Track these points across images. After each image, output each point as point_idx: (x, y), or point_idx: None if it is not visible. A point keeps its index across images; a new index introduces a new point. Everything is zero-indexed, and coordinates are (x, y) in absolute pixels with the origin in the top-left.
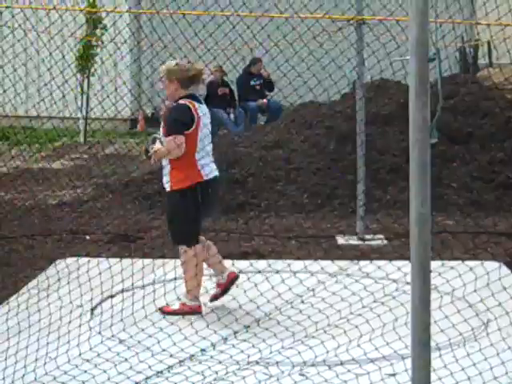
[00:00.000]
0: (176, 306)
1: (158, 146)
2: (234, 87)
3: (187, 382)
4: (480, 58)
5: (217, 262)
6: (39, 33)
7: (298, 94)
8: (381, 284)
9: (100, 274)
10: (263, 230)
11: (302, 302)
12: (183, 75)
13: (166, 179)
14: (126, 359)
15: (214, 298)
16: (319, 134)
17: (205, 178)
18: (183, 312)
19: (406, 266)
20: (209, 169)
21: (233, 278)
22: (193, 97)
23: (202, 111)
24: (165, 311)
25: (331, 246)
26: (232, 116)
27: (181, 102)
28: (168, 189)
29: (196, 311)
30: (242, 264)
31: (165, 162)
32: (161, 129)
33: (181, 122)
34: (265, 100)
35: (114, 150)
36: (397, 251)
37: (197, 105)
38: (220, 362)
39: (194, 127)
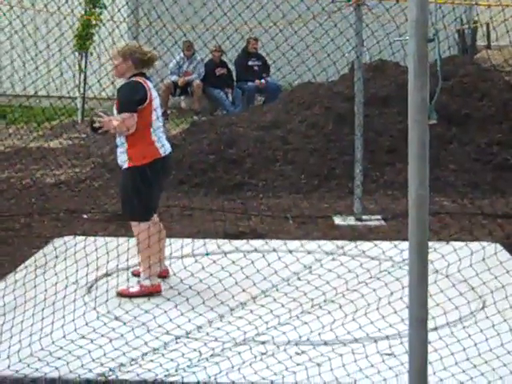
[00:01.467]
0: (135, 288)
1: (106, 117)
2: (232, 67)
3: (183, 359)
4: (478, 39)
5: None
6: (36, 11)
7: (296, 73)
8: (377, 261)
9: (96, 250)
10: (260, 210)
11: (299, 279)
12: (140, 56)
13: (122, 157)
14: (121, 335)
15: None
16: (317, 114)
17: (162, 154)
18: (142, 294)
19: (401, 244)
20: (166, 145)
21: (163, 276)
22: (145, 76)
23: (155, 92)
24: (123, 294)
25: (328, 226)
26: (230, 96)
27: (133, 78)
28: (125, 166)
29: (156, 291)
30: (238, 242)
31: (120, 141)
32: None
33: (134, 98)
34: (263, 80)
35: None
36: (394, 231)
37: (149, 83)
38: (216, 339)
39: (147, 102)
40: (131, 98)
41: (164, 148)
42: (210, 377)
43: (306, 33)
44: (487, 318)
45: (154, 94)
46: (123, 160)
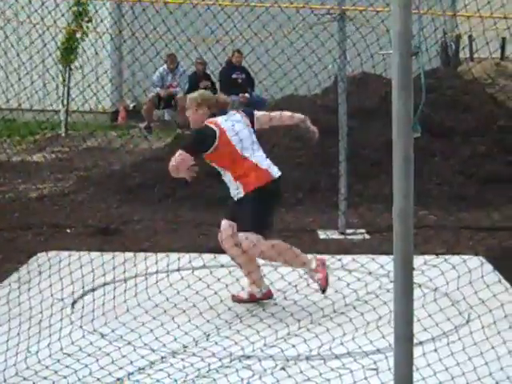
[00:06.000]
0: (245, 295)
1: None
2: (216, 80)
3: (169, 380)
4: (461, 51)
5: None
6: (20, 22)
7: (278, 86)
8: (364, 282)
9: (81, 267)
10: None
11: (285, 298)
12: (215, 104)
13: (233, 189)
14: (107, 354)
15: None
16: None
17: (272, 177)
18: (255, 300)
19: (389, 264)
20: (273, 168)
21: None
22: (214, 115)
23: (227, 123)
24: (237, 299)
25: (313, 241)
26: None
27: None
28: (241, 195)
29: (268, 296)
30: (223, 258)
31: (227, 179)
32: None
33: (196, 142)
34: (246, 94)
35: (96, 142)
36: (378, 246)
37: (219, 120)
38: (202, 359)
39: (218, 140)
40: (192, 140)
41: (272, 169)
42: None
43: (288, 45)
44: (471, 333)
45: (226, 125)
46: (234, 194)
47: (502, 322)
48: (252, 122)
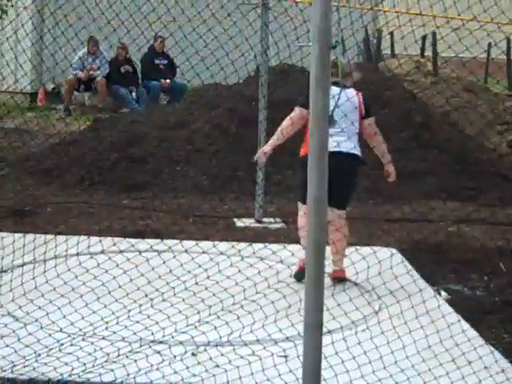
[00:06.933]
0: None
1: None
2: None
3: (78, 363)
4: (385, 48)
5: None
6: None
7: (195, 71)
8: (275, 270)
9: None
10: (161, 210)
11: (196, 283)
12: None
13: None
14: (13, 331)
15: None
16: (221, 116)
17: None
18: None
19: (301, 251)
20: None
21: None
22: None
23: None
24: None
25: (229, 228)
26: (134, 94)
27: None
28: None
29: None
30: (133, 240)
31: None
32: None
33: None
34: (168, 80)
35: (13, 123)
36: (294, 234)
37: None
38: (112, 344)
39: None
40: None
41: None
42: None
43: (208, 32)
44: (379, 323)
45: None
46: None
47: (409, 312)
48: (361, 109)
